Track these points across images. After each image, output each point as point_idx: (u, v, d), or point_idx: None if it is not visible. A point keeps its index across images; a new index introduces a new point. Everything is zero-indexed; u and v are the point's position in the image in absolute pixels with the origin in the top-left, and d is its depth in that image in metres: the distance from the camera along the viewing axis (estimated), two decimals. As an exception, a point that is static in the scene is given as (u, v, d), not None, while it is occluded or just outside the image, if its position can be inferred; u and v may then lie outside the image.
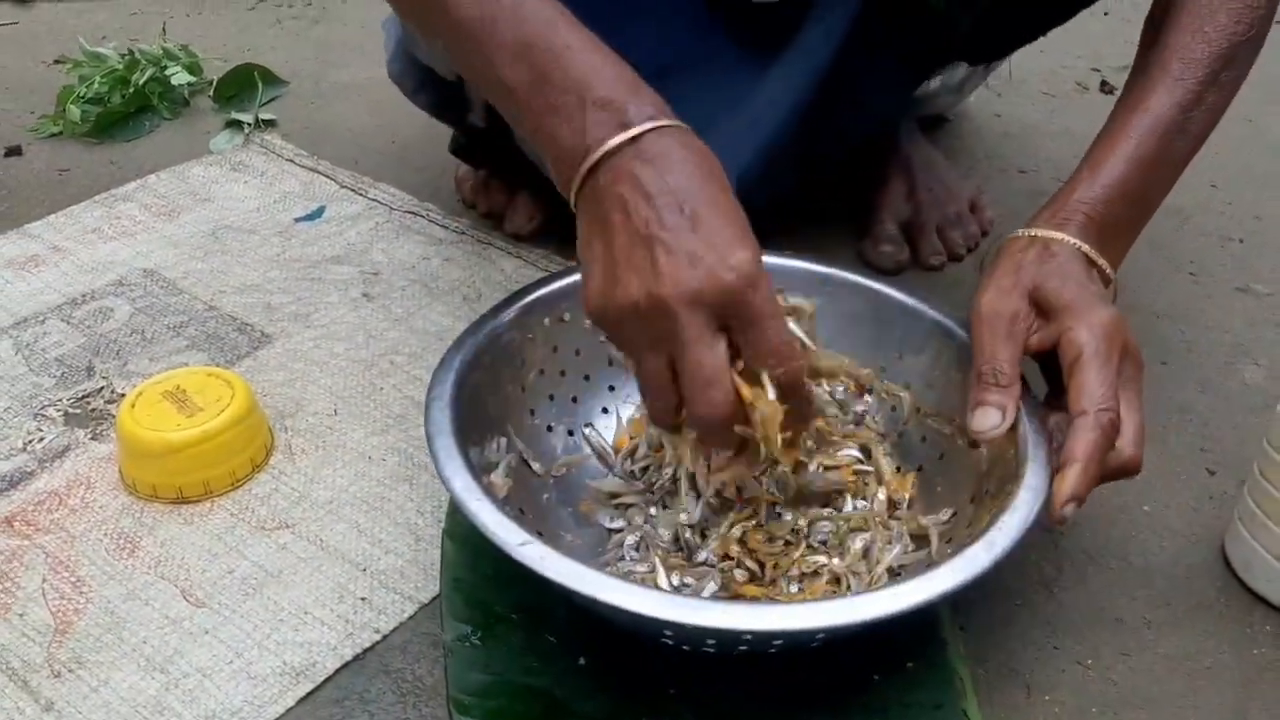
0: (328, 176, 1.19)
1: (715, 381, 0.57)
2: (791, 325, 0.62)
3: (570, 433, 0.78)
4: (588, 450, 0.78)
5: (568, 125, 0.60)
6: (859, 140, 1.06)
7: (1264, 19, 0.73)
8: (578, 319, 0.78)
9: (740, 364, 0.58)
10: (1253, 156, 1.26)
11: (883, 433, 0.76)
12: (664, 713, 0.64)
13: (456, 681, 0.65)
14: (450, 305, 0.99)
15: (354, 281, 1.03)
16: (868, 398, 0.78)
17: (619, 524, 0.73)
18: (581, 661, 0.66)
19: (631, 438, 0.78)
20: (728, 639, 0.58)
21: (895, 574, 0.67)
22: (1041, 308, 0.67)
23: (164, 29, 1.53)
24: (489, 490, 0.63)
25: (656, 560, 0.68)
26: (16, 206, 1.15)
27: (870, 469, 0.73)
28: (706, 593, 0.67)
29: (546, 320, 0.77)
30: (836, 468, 0.72)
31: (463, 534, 0.72)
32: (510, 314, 0.75)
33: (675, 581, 0.68)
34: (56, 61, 1.44)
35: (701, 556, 0.69)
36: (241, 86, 1.35)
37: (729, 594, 0.67)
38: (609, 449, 0.78)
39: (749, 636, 0.57)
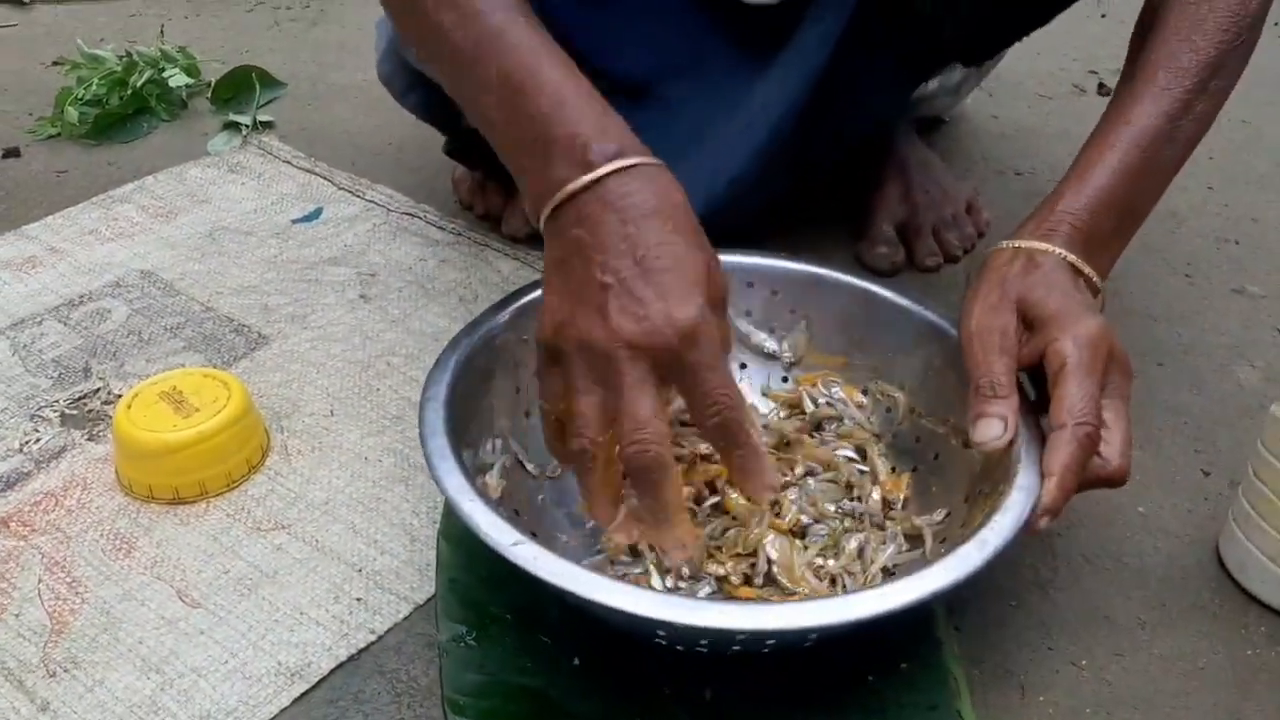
0: (325, 178, 1.19)
1: (645, 426, 0.58)
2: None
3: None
4: None
5: (536, 163, 0.63)
6: (855, 143, 1.07)
7: (1252, 26, 0.73)
8: None
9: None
10: (1249, 159, 1.26)
11: (878, 433, 0.76)
12: (658, 713, 0.64)
13: (451, 682, 0.65)
14: (447, 306, 0.99)
15: (351, 283, 1.03)
16: (863, 398, 0.78)
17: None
18: (576, 662, 0.66)
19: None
20: (721, 639, 0.58)
21: (890, 574, 0.68)
22: (1028, 320, 0.66)
23: (162, 31, 1.53)
24: (482, 491, 0.63)
25: (649, 563, 0.68)
26: (14, 208, 1.15)
27: (866, 469, 0.74)
28: (701, 595, 0.67)
29: None
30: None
31: (458, 535, 0.72)
32: (505, 316, 0.75)
33: (669, 583, 0.68)
34: (55, 63, 1.44)
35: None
36: (239, 88, 1.35)
37: (723, 595, 0.67)
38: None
39: (742, 636, 0.57)
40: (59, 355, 0.93)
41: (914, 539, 0.70)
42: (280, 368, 0.92)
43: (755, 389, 0.82)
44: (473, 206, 1.13)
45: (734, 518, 0.70)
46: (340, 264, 1.05)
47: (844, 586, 0.67)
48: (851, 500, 0.72)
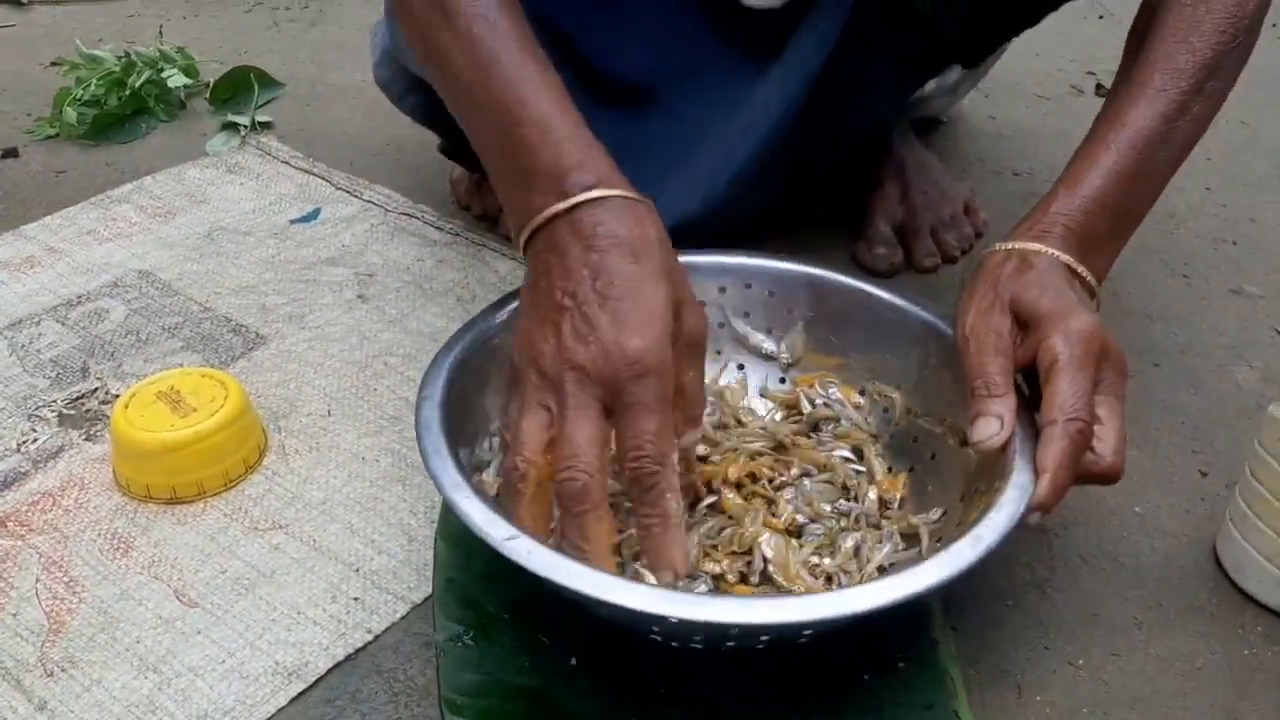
0: (323, 178, 1.19)
1: (579, 454, 0.58)
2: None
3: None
4: None
5: (519, 191, 0.65)
6: (855, 143, 1.07)
7: (1250, 29, 0.73)
8: None
9: None
10: (1248, 159, 1.26)
11: (874, 434, 0.77)
12: (655, 713, 0.64)
13: (448, 681, 0.65)
14: (444, 306, 0.99)
15: (349, 283, 1.03)
16: (859, 398, 0.78)
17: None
18: (573, 662, 0.66)
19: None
20: (715, 634, 0.58)
21: (886, 573, 0.67)
22: (1022, 320, 0.66)
23: (160, 31, 1.53)
24: (478, 488, 0.63)
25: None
26: (12, 208, 1.15)
27: (862, 469, 0.74)
28: (697, 590, 0.67)
29: None
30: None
31: (455, 534, 0.72)
32: (502, 316, 0.75)
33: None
34: (53, 64, 1.44)
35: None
36: (238, 89, 1.35)
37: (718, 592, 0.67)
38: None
39: (735, 630, 0.57)
40: (57, 355, 0.93)
41: (910, 538, 0.70)
42: (278, 368, 0.92)
43: (753, 389, 0.82)
44: (470, 207, 1.13)
45: (730, 517, 0.71)
46: (338, 264, 1.05)
47: (840, 585, 0.67)
48: (848, 500, 0.73)
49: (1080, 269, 0.68)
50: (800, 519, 0.70)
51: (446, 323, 0.96)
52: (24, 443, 0.84)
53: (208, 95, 1.36)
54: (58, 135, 1.28)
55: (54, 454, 0.84)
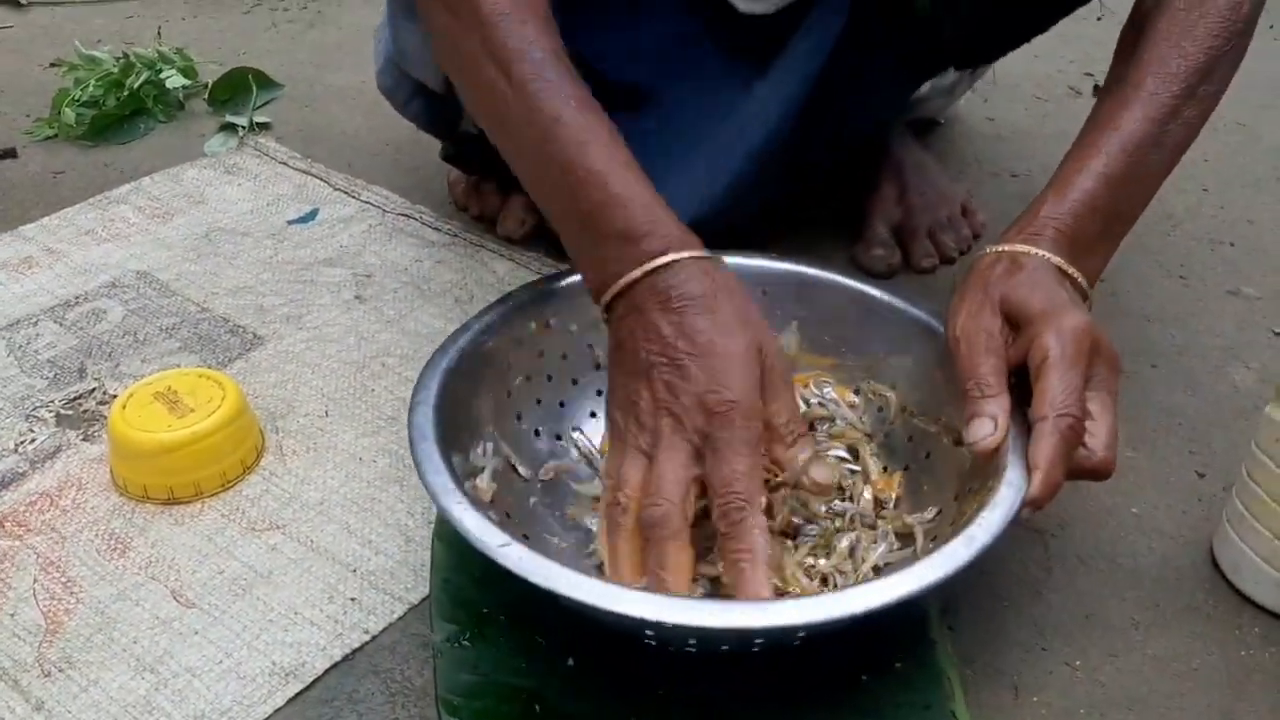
0: (321, 179, 1.19)
1: (663, 487, 0.61)
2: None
3: (558, 437, 0.78)
4: (575, 455, 0.78)
5: (592, 253, 0.68)
6: (854, 143, 1.07)
7: (1243, 32, 0.73)
8: (564, 324, 0.78)
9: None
10: (1245, 161, 1.26)
11: (869, 433, 0.77)
12: (652, 714, 0.64)
13: (445, 682, 0.65)
14: (442, 307, 0.99)
15: (346, 283, 1.03)
16: (854, 398, 0.78)
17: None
18: (570, 663, 0.66)
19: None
20: (708, 638, 0.58)
21: (881, 572, 0.67)
22: (1013, 320, 0.66)
23: (159, 33, 1.54)
24: (471, 493, 0.63)
25: None
26: (11, 209, 1.15)
27: (858, 469, 0.74)
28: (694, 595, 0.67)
29: (533, 325, 0.77)
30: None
31: (452, 535, 0.71)
32: (496, 319, 0.75)
33: None
34: (52, 65, 1.45)
35: None
36: (236, 90, 1.36)
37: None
38: (596, 453, 0.78)
39: (729, 635, 0.57)
40: (54, 356, 0.93)
41: (905, 537, 0.70)
42: (275, 368, 0.92)
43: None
44: (468, 208, 1.13)
45: None
46: (336, 265, 1.05)
47: (835, 585, 0.67)
48: (843, 501, 0.72)
49: (1071, 270, 0.68)
50: (796, 520, 0.70)
51: (444, 323, 0.96)
52: (21, 443, 0.84)
53: (206, 96, 1.36)
54: (56, 136, 1.28)
55: (51, 454, 0.84)
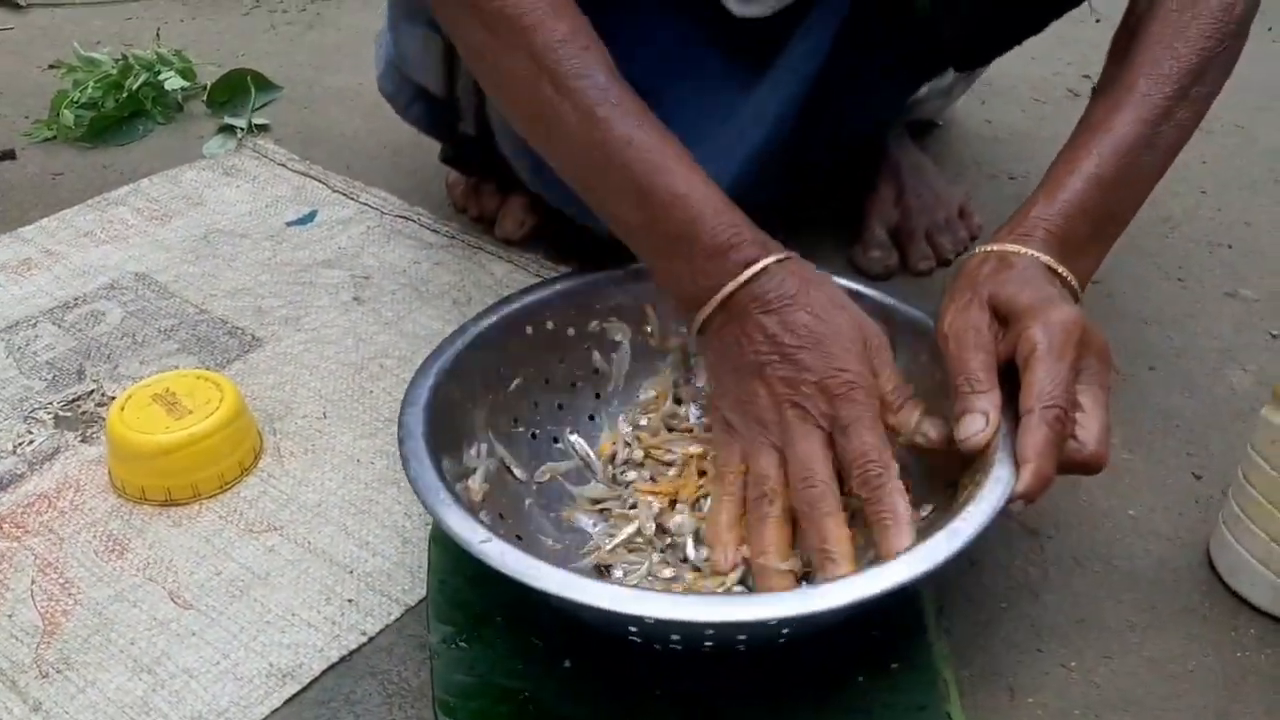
0: (320, 181, 1.19)
1: (811, 469, 0.65)
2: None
3: (555, 440, 0.78)
4: (572, 457, 0.78)
5: (681, 271, 0.70)
6: (854, 144, 1.07)
7: (1236, 34, 0.73)
8: (561, 327, 0.78)
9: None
10: (1242, 163, 1.26)
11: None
12: (649, 716, 0.64)
13: (442, 683, 0.65)
14: (440, 309, 0.99)
15: (344, 285, 1.03)
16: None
17: (601, 528, 0.73)
18: (566, 664, 0.66)
19: (613, 444, 0.78)
20: (691, 633, 0.58)
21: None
22: (1002, 316, 0.66)
23: (158, 34, 1.54)
24: (457, 492, 0.63)
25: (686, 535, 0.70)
26: (9, 210, 1.15)
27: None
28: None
29: (529, 328, 0.77)
30: None
31: (448, 538, 0.72)
32: (494, 321, 0.76)
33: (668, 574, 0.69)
34: (51, 66, 1.45)
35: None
36: (235, 91, 1.36)
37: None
38: (593, 456, 0.78)
39: (711, 630, 0.57)
40: (53, 357, 0.94)
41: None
42: (273, 370, 0.92)
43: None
44: (467, 209, 1.13)
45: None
46: (334, 266, 1.06)
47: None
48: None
49: (1060, 269, 0.68)
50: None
51: (442, 325, 0.96)
52: (20, 445, 0.85)
53: (205, 98, 1.36)
54: (55, 138, 1.29)
55: (50, 456, 0.84)
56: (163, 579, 0.74)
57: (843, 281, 0.79)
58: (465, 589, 0.70)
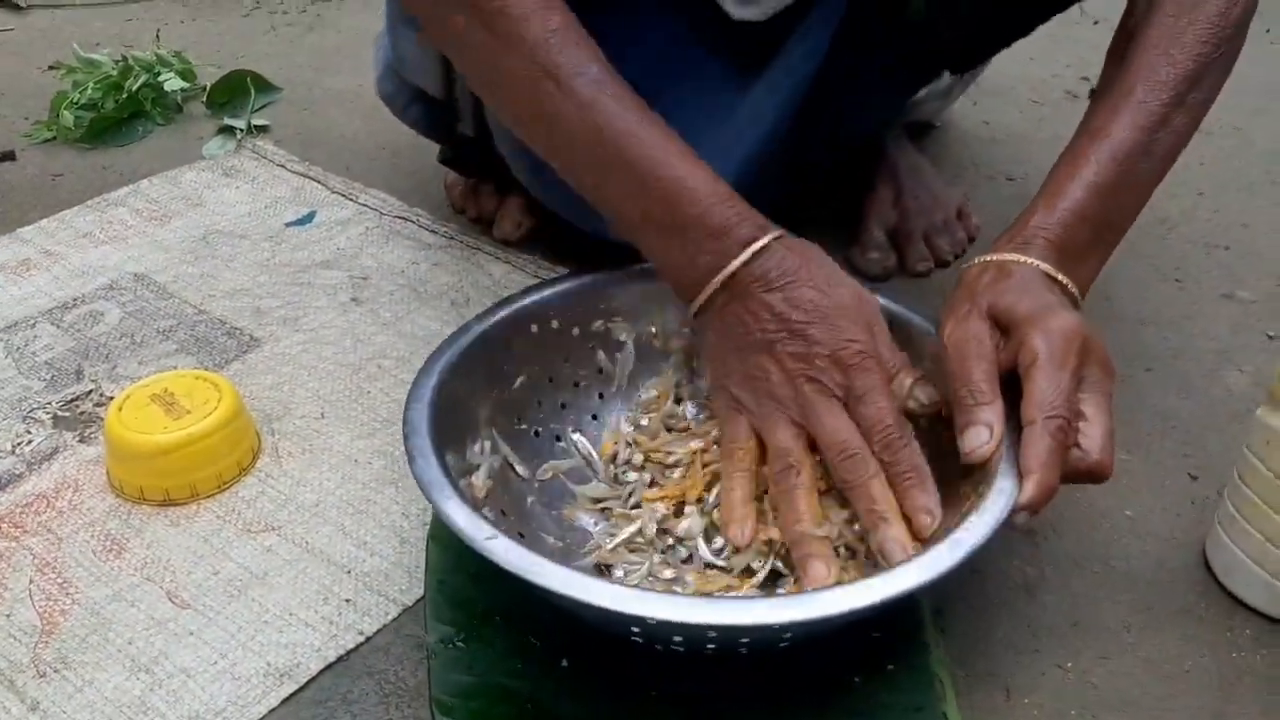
0: (319, 182, 1.20)
1: (845, 438, 0.65)
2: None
3: (558, 438, 0.78)
4: (575, 456, 0.78)
5: (681, 256, 0.70)
6: (852, 144, 1.07)
7: (1232, 39, 0.73)
8: (566, 326, 0.78)
9: None
10: (1240, 165, 1.27)
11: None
12: (647, 716, 0.65)
13: (439, 683, 0.65)
14: (439, 310, 1.00)
15: (343, 286, 1.03)
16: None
17: (602, 527, 0.74)
18: (564, 664, 0.66)
19: (615, 444, 0.78)
20: (694, 635, 0.59)
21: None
22: (1002, 324, 0.67)
23: (158, 36, 1.54)
24: (461, 489, 0.63)
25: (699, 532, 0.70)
26: (9, 211, 1.15)
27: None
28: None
29: (534, 327, 0.77)
30: None
31: (447, 537, 0.72)
32: (497, 319, 0.76)
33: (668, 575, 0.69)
34: (51, 67, 1.45)
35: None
36: (234, 93, 1.36)
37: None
38: (595, 455, 0.78)
39: (714, 633, 0.57)
40: (52, 358, 0.94)
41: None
42: (272, 370, 0.92)
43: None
44: (465, 210, 1.13)
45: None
46: (333, 267, 1.06)
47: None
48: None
49: (1060, 277, 0.68)
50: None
51: (441, 326, 0.97)
52: (18, 445, 0.85)
53: (204, 99, 1.37)
54: (55, 139, 1.29)
55: (48, 456, 0.84)
56: (160, 579, 0.74)
57: None
58: (464, 588, 0.70)
